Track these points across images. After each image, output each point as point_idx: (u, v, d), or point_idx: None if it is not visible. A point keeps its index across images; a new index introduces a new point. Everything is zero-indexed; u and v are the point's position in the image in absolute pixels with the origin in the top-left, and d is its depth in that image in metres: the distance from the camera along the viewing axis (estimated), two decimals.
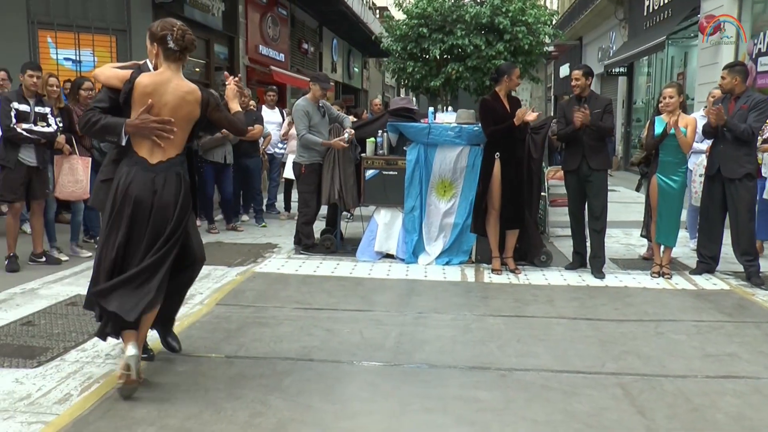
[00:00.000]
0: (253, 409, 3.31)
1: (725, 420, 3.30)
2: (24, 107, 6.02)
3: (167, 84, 3.52)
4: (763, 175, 6.80)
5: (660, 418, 3.30)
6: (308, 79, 7.78)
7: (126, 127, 3.44)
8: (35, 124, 6.05)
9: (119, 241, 3.43)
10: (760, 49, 12.10)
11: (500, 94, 6.24)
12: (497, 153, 6.19)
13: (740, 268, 6.25)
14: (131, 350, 3.38)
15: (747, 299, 5.58)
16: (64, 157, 6.43)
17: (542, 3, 11.75)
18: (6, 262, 6.10)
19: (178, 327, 4.50)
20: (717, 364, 4.06)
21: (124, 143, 3.52)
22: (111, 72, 3.63)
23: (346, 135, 6.92)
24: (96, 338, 4.16)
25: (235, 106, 3.93)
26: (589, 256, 6.43)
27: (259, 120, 8.90)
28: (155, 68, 3.63)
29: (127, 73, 3.57)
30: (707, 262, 6.40)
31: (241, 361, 3.97)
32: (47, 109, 6.20)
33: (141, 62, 3.78)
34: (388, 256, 6.88)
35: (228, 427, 3.11)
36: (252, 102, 9.27)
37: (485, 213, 6.30)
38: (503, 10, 10.49)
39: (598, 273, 6.24)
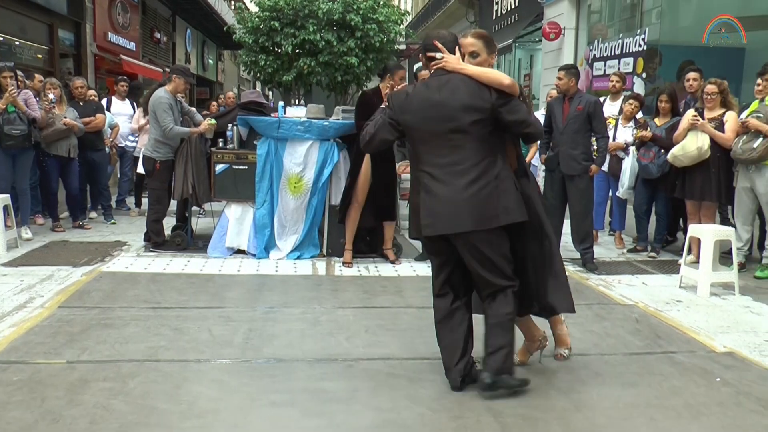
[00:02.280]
0: (95, 414, 3.18)
1: (557, 395, 3.56)
2: None
3: None
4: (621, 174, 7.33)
5: (498, 396, 3.47)
6: (161, 70, 7.53)
7: None
8: None
9: None
10: (595, 55, 13.04)
11: (383, 92, 6.19)
12: None
13: (577, 255, 6.72)
14: None
15: (582, 283, 6.02)
16: None
17: (395, 2, 11.99)
18: None
19: (14, 333, 4.26)
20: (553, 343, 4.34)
21: None
22: None
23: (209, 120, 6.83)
24: None
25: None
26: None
27: (100, 110, 8.50)
28: None
29: None
30: None
31: (83, 365, 3.80)
32: None
33: None
34: (240, 251, 6.80)
35: None
36: (92, 92, 8.80)
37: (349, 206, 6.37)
38: (355, 7, 10.64)
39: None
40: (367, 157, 6.22)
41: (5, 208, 6.77)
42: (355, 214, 6.38)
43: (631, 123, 7.32)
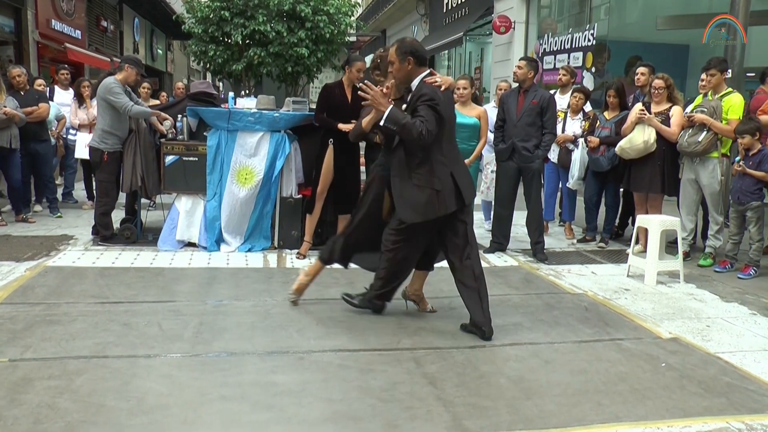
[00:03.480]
0: (39, 414, 3.10)
1: (507, 383, 3.62)
2: None
3: None
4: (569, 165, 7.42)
5: (449, 386, 3.54)
6: (108, 59, 7.35)
7: None
8: None
9: None
10: (545, 49, 13.22)
11: (344, 84, 6.21)
12: (331, 140, 6.19)
13: (528, 245, 6.81)
14: None
15: (532, 273, 6.11)
16: None
17: None
18: None
19: None
20: (503, 333, 4.40)
21: None
22: None
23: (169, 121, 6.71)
24: None
25: None
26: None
27: (43, 99, 8.25)
28: None
29: None
30: (500, 242, 6.91)
31: (26, 363, 3.69)
32: None
33: None
34: (191, 244, 6.69)
35: None
36: (40, 81, 8.54)
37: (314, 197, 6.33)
38: None
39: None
40: (329, 149, 6.19)
41: None
42: (318, 206, 6.34)
43: (579, 115, 7.44)
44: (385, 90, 4.18)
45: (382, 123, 4.12)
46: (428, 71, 4.26)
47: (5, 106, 7.38)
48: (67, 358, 3.77)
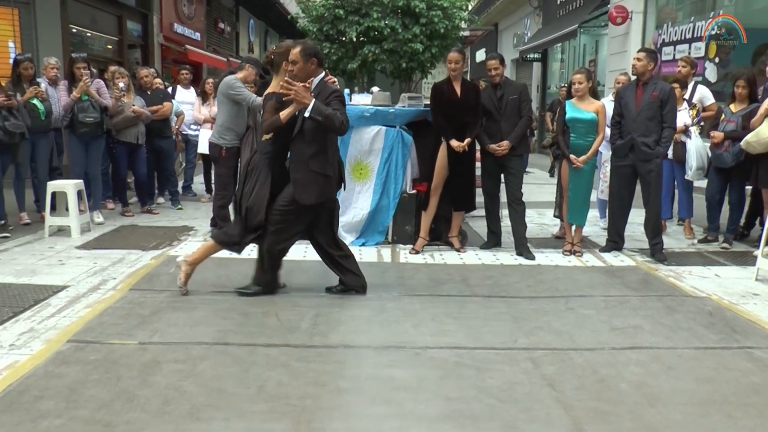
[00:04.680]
0: (167, 395, 3.25)
1: (628, 388, 3.46)
2: None
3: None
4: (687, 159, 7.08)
5: (568, 389, 3.43)
6: (225, 59, 7.62)
7: None
8: None
9: None
10: (664, 39, 12.65)
11: (451, 79, 6.25)
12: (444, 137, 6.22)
13: (645, 245, 6.53)
14: None
15: (651, 274, 5.85)
16: None
17: None
18: None
19: (89, 314, 4.39)
20: (622, 336, 4.24)
21: None
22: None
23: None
24: None
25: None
26: (517, 242, 6.51)
27: (167, 98, 8.67)
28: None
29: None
30: (615, 240, 6.67)
31: (154, 347, 3.88)
32: None
33: None
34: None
35: (140, 415, 3.05)
36: (158, 80, 9.00)
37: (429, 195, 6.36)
38: None
39: (529, 254, 6.38)
40: (444, 145, 6.19)
41: (79, 193, 6.98)
42: (433, 204, 6.34)
43: (685, 105, 7.07)
44: (306, 84, 4.55)
45: (307, 114, 4.51)
46: (324, 73, 4.77)
47: (134, 105, 7.82)
48: (190, 344, 3.93)
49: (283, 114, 4.54)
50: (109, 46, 13.56)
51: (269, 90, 4.84)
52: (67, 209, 6.87)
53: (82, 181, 7.17)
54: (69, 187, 6.87)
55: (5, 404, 3.13)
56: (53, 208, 7.02)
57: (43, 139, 7.36)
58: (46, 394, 3.23)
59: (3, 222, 6.77)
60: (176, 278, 5.02)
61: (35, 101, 7.10)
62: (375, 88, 7.47)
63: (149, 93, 8.48)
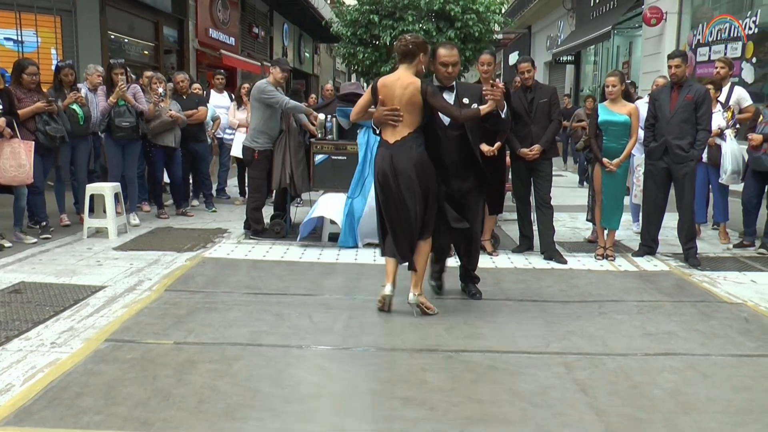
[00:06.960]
0: (202, 394, 3.30)
1: (662, 395, 3.43)
2: None
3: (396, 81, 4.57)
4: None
5: (602, 395, 3.41)
6: (259, 64, 7.73)
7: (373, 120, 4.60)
8: None
9: (380, 204, 4.61)
10: (699, 40, 12.46)
11: (482, 82, 6.16)
12: None
13: (679, 249, 6.45)
14: (388, 288, 4.60)
15: (685, 279, 5.78)
16: (5, 140, 6.27)
17: None
18: None
19: (126, 313, 4.48)
20: (656, 342, 4.20)
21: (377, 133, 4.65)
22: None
23: (321, 116, 6.96)
24: (40, 327, 4.13)
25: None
26: (543, 246, 6.47)
27: (202, 103, 8.80)
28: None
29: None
30: (649, 245, 6.60)
31: (190, 346, 3.94)
32: None
33: None
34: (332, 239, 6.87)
35: (176, 414, 3.10)
36: (197, 85, 9.14)
37: None
38: None
39: (560, 258, 6.34)
40: None
41: (116, 195, 7.12)
42: None
43: (719, 107, 6.97)
44: (501, 87, 4.72)
45: (503, 114, 4.74)
46: None
47: (170, 110, 7.95)
48: (225, 344, 3.99)
49: (483, 108, 4.63)
50: (146, 52, 13.78)
51: (387, 78, 4.75)
52: (104, 211, 7.00)
53: (119, 183, 7.32)
54: (107, 189, 7.01)
55: (48, 399, 3.21)
56: (91, 210, 7.17)
57: (82, 143, 7.51)
58: (86, 391, 3.31)
59: (44, 223, 6.92)
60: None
61: (75, 106, 7.26)
62: None
63: (184, 98, 8.62)
